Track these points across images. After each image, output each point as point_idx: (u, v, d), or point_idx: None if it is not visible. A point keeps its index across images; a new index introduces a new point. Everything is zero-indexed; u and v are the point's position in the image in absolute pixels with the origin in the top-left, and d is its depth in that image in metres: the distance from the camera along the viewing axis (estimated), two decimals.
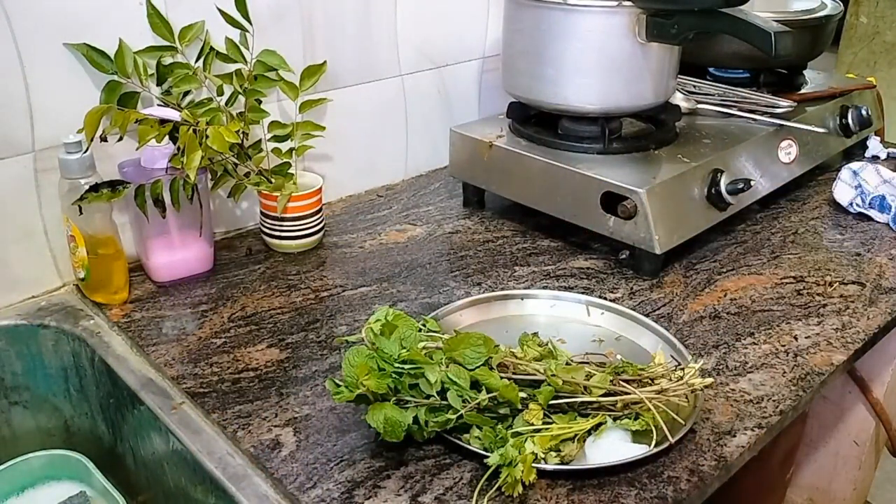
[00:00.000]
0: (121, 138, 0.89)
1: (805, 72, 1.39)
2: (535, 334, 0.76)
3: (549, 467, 0.66)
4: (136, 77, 0.92)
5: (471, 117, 1.34)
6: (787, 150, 1.16)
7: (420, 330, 0.72)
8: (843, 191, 1.15)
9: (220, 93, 0.98)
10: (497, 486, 0.64)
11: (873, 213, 1.13)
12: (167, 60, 0.94)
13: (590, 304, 0.90)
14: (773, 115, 1.18)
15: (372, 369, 0.67)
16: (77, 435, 0.94)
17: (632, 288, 0.97)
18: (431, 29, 1.24)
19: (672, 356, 0.80)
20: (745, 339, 0.87)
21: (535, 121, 1.14)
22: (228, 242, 1.08)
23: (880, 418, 1.25)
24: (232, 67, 0.97)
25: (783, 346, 0.86)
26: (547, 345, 0.75)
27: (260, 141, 1.02)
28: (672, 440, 0.68)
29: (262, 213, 1.04)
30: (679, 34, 0.99)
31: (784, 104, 1.20)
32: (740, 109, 1.20)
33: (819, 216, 1.16)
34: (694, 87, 1.28)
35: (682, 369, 0.73)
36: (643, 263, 0.99)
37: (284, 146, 1.04)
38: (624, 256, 1.01)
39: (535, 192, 1.07)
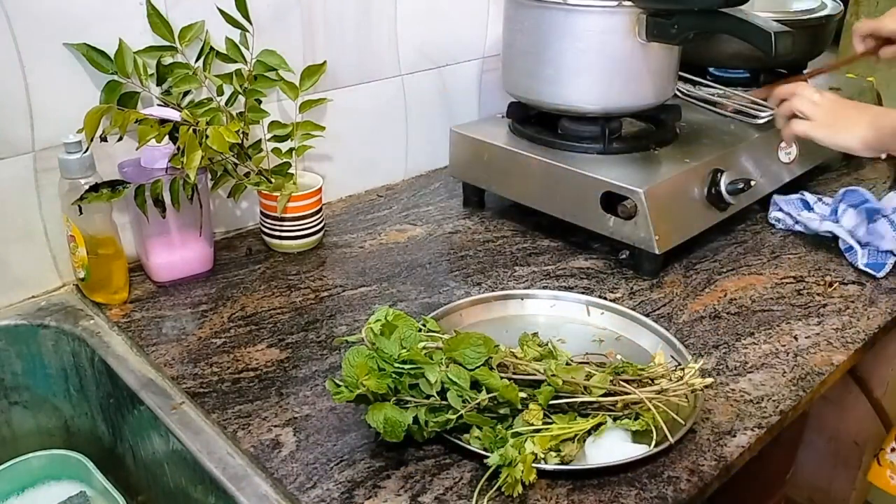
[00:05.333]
0: (121, 138, 0.89)
1: (805, 72, 1.38)
2: (535, 334, 0.76)
3: (549, 467, 0.66)
4: (136, 77, 0.92)
5: (471, 117, 1.34)
6: (787, 151, 1.16)
7: (420, 330, 0.72)
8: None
9: (220, 93, 0.98)
10: (497, 486, 0.64)
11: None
12: (167, 60, 0.94)
13: (590, 304, 0.90)
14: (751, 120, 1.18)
15: (372, 369, 0.67)
16: (77, 435, 0.94)
17: (632, 288, 0.97)
18: (431, 29, 1.24)
19: (672, 356, 0.80)
20: (745, 339, 0.87)
21: (535, 121, 1.14)
22: (228, 242, 1.08)
23: (880, 418, 1.25)
24: (232, 67, 0.97)
25: (783, 346, 0.86)
26: (547, 345, 0.75)
27: (260, 141, 1.02)
28: (672, 440, 0.68)
29: (262, 213, 1.04)
30: (679, 34, 0.99)
31: (764, 115, 1.18)
32: (724, 109, 1.20)
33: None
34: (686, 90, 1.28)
35: (682, 369, 0.73)
36: (643, 263, 0.99)
37: (284, 146, 1.04)
38: (624, 256, 1.01)
39: (535, 192, 1.07)
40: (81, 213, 0.86)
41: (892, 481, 1.01)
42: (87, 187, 0.85)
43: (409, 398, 0.67)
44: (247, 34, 0.97)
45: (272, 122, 1.04)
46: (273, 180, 1.01)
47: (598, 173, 1.00)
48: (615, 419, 0.69)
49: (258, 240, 1.08)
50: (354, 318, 0.90)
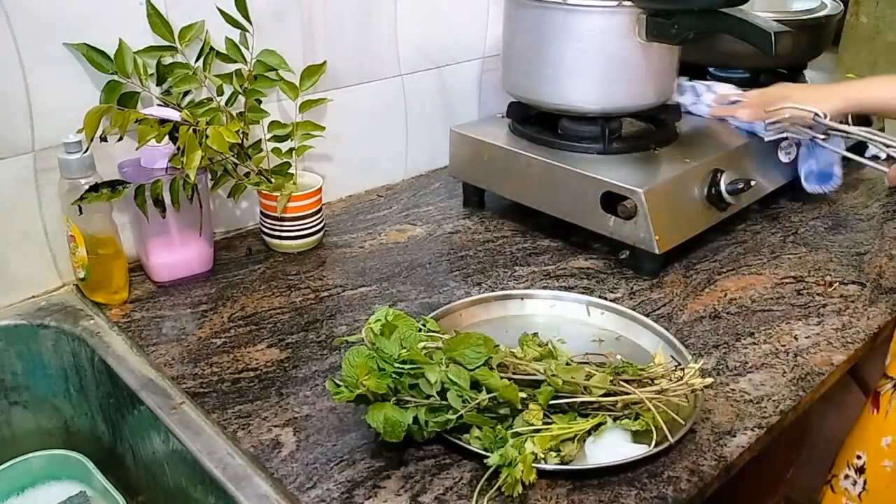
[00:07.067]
0: (121, 138, 0.89)
1: (805, 72, 1.38)
2: (535, 334, 0.76)
3: (549, 467, 0.66)
4: (136, 77, 0.92)
5: (471, 117, 1.34)
6: (787, 150, 1.16)
7: (420, 330, 0.72)
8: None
9: (220, 93, 0.98)
10: (497, 486, 0.64)
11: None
12: (167, 60, 0.94)
13: (590, 304, 0.90)
14: None
15: (372, 369, 0.67)
16: (77, 435, 0.94)
17: (632, 288, 0.97)
18: (431, 29, 1.24)
19: (672, 356, 0.80)
20: (745, 339, 0.87)
21: (535, 121, 1.14)
22: (228, 242, 1.08)
23: None
24: (232, 67, 0.97)
25: (783, 346, 0.86)
26: (547, 345, 0.75)
27: (260, 141, 1.02)
28: (672, 440, 0.68)
29: (262, 213, 1.04)
30: (679, 34, 0.99)
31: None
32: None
33: (819, 216, 1.16)
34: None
35: (682, 369, 0.73)
36: (643, 263, 0.99)
37: (284, 146, 1.04)
38: (624, 256, 1.01)
39: (535, 192, 1.07)
40: (81, 213, 0.86)
41: None
42: (87, 187, 0.85)
43: (409, 398, 0.67)
44: (247, 34, 0.97)
45: (272, 122, 1.04)
46: (273, 180, 1.01)
47: (598, 173, 1.00)
48: (615, 419, 0.69)
49: (258, 240, 1.08)
50: (354, 318, 0.90)
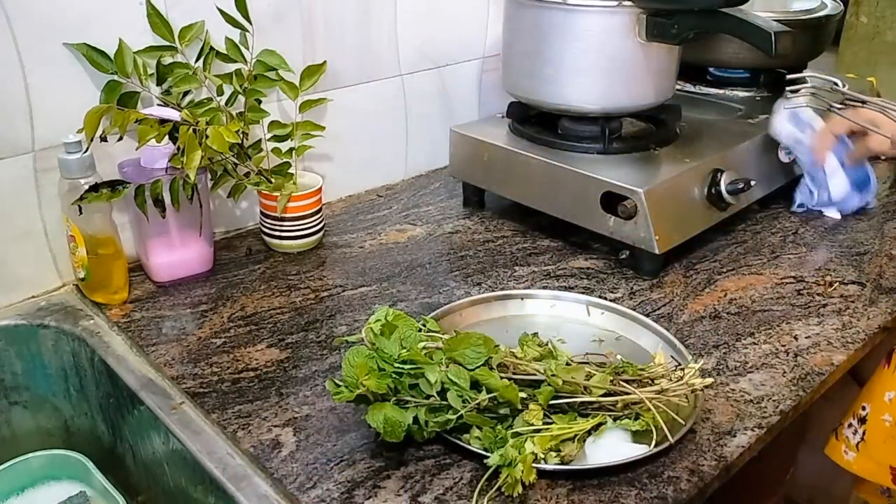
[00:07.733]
0: (121, 138, 0.89)
1: (805, 72, 1.38)
2: (535, 334, 0.76)
3: (549, 467, 0.66)
4: (136, 77, 0.92)
5: (471, 117, 1.34)
6: (787, 150, 1.16)
7: (420, 330, 0.72)
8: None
9: (220, 93, 0.98)
10: (497, 486, 0.64)
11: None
12: (167, 60, 0.94)
13: (590, 304, 0.90)
14: None
15: (372, 369, 0.67)
16: (77, 435, 0.94)
17: (632, 288, 0.97)
18: (431, 29, 1.24)
19: (672, 356, 0.80)
20: (745, 339, 0.87)
21: (535, 121, 1.14)
22: (228, 242, 1.08)
23: None
24: (232, 67, 0.97)
25: (783, 346, 0.86)
26: (547, 345, 0.75)
27: (260, 141, 1.02)
28: (672, 440, 0.68)
29: (262, 213, 1.04)
30: (679, 34, 0.99)
31: None
32: None
33: (819, 216, 1.16)
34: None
35: (682, 369, 0.73)
36: (643, 263, 0.99)
37: (284, 146, 1.04)
38: (624, 256, 1.01)
39: (535, 192, 1.07)
40: (81, 213, 0.86)
41: (846, 456, 1.03)
42: (87, 187, 0.85)
43: (409, 398, 0.67)
44: (247, 34, 0.97)
45: (272, 121, 1.04)
46: (273, 180, 1.01)
47: (599, 173, 1.00)
48: (615, 419, 0.69)
49: (258, 240, 1.08)
50: (354, 318, 0.90)
